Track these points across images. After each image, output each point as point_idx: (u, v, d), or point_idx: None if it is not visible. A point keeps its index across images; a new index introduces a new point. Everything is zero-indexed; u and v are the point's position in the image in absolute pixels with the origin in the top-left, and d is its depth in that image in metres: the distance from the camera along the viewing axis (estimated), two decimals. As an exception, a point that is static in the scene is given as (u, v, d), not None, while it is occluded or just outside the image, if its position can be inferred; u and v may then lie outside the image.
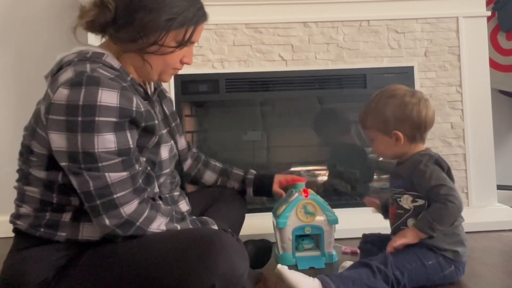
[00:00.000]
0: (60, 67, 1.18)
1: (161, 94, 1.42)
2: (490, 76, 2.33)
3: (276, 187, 1.72)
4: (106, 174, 1.09)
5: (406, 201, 1.46)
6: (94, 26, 1.22)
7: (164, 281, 1.07)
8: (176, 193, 1.37)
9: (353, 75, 2.30)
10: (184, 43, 1.24)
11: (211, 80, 2.21)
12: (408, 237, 1.40)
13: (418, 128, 1.45)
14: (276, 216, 1.76)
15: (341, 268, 1.53)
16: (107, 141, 1.09)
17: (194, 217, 1.29)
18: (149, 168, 1.22)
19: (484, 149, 2.31)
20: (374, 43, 2.30)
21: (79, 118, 1.07)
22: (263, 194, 1.74)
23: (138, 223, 1.13)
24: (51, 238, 1.16)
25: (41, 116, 1.14)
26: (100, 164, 1.09)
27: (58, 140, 1.09)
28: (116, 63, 1.21)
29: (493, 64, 2.59)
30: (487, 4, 2.45)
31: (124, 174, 1.12)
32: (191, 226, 1.22)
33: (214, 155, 2.56)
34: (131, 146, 1.14)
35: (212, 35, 2.22)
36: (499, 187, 2.40)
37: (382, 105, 1.46)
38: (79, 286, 1.13)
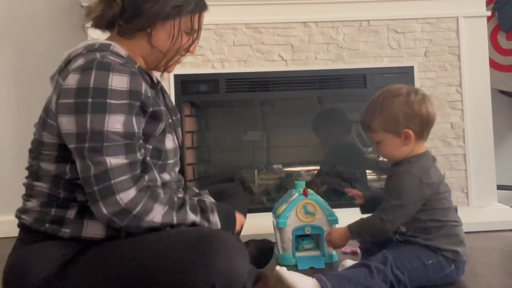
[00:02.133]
0: (68, 62, 1.21)
1: (163, 88, 1.45)
2: (490, 76, 2.33)
3: None
4: (107, 159, 1.10)
5: None
6: (102, 21, 1.27)
7: (164, 280, 1.07)
8: (180, 195, 1.37)
9: (353, 75, 2.30)
10: (192, 31, 1.30)
11: (211, 80, 2.21)
12: (333, 239, 1.50)
13: (427, 124, 1.44)
14: (276, 216, 1.76)
15: (341, 267, 1.53)
16: (116, 121, 1.12)
17: (195, 199, 1.29)
18: (148, 157, 1.23)
19: (484, 149, 2.31)
20: (374, 43, 2.30)
21: (89, 100, 1.10)
22: None
23: (134, 212, 1.11)
24: (55, 234, 1.17)
25: (50, 106, 1.17)
26: (105, 144, 1.10)
27: (67, 123, 1.12)
28: (123, 52, 1.25)
29: (493, 64, 2.59)
30: (487, 4, 2.45)
31: (124, 161, 1.12)
32: (189, 213, 1.21)
33: (214, 155, 2.57)
34: (136, 131, 1.16)
35: (212, 35, 2.22)
36: (499, 187, 2.40)
37: (389, 104, 1.43)
38: (80, 284, 1.13)
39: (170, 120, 1.34)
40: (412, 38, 2.31)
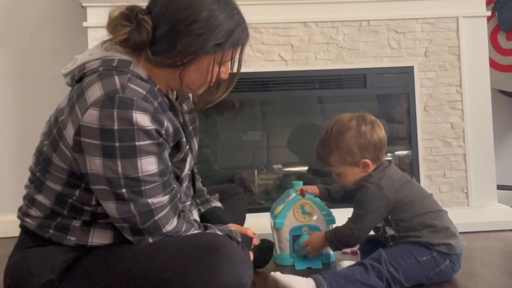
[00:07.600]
0: (83, 74, 1.13)
1: (182, 97, 1.36)
2: (490, 76, 2.33)
3: None
4: (149, 200, 1.09)
5: None
6: (127, 44, 1.13)
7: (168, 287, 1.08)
8: (188, 203, 1.37)
9: (353, 75, 2.30)
10: (225, 63, 1.22)
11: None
12: (313, 242, 1.61)
13: (380, 149, 1.52)
14: (273, 216, 1.76)
15: (339, 267, 1.54)
16: (149, 164, 1.08)
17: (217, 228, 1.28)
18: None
19: (484, 149, 2.31)
20: (374, 43, 2.30)
21: (117, 144, 1.04)
22: None
23: (175, 234, 1.16)
24: (60, 241, 1.14)
25: (64, 132, 1.09)
26: (143, 188, 1.08)
27: (94, 165, 1.06)
28: (143, 73, 1.14)
29: (493, 64, 2.59)
30: (487, 4, 2.45)
31: (164, 198, 1.12)
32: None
33: (214, 155, 2.57)
34: (169, 165, 1.15)
35: (212, 35, 2.21)
36: (499, 187, 2.39)
37: (342, 140, 1.50)
38: None
39: (187, 146, 1.27)
40: (412, 38, 2.31)
